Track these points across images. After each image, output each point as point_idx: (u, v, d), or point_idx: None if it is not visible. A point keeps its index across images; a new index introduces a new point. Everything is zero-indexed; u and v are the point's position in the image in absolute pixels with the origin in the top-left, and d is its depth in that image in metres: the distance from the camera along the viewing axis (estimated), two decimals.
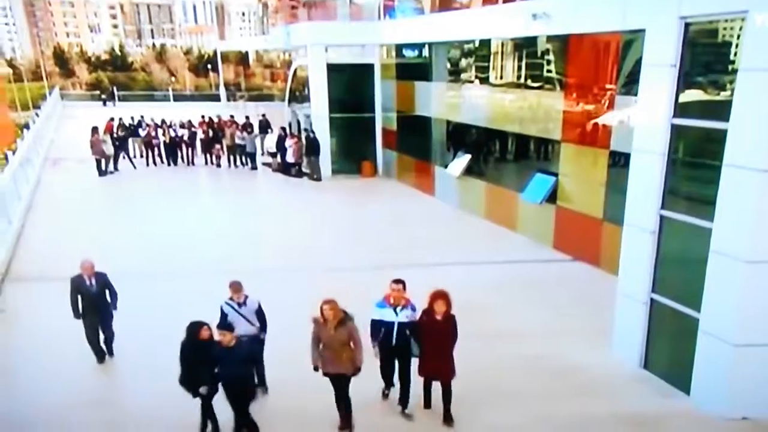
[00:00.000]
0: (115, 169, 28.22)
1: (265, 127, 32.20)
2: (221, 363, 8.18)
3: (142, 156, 30.56)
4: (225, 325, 8.42)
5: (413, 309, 8.86)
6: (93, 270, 10.63)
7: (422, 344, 8.78)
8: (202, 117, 32.19)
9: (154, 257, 16.48)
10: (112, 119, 31.52)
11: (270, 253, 16.91)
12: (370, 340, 8.94)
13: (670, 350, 10.12)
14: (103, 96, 64.36)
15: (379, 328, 8.90)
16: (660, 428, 9.08)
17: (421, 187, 24.46)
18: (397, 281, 8.88)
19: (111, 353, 11.08)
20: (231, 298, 9.36)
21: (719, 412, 9.02)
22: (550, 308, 13.08)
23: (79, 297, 10.57)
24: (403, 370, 9.17)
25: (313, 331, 8.56)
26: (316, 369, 8.62)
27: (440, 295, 8.60)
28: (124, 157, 29.05)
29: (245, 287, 9.45)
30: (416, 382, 9.20)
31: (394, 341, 8.85)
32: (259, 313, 9.55)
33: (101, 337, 10.88)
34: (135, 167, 28.97)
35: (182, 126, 30.94)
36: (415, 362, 9.05)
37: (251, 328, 9.37)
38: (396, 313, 8.80)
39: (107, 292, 10.80)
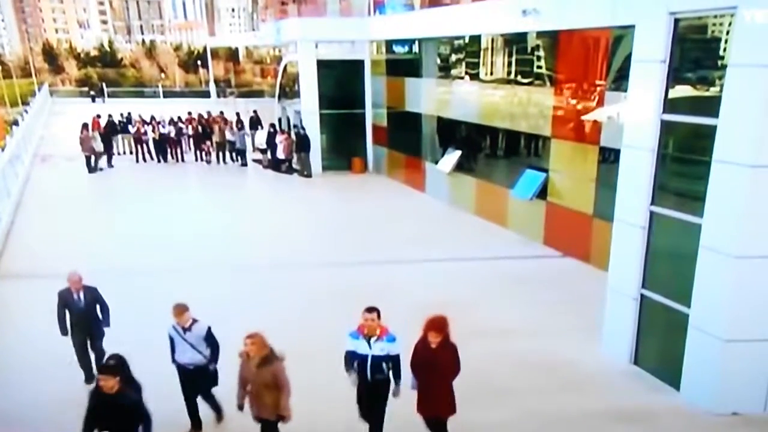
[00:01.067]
0: (110, 165, 28.36)
1: (255, 123, 32.15)
2: (97, 414, 6.83)
3: (131, 152, 30.51)
4: (107, 367, 6.95)
5: (391, 340, 7.82)
6: (81, 283, 9.81)
7: (416, 377, 7.83)
8: (189, 114, 32.13)
9: (143, 254, 16.36)
10: (98, 116, 31.45)
11: (259, 250, 16.85)
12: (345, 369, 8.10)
13: (660, 346, 10.14)
14: (92, 92, 64.06)
15: (352, 359, 8.00)
16: (650, 424, 9.08)
17: (412, 183, 24.44)
18: (370, 309, 7.84)
19: None
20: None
21: (709, 407, 9.03)
22: (539, 304, 13.07)
23: (67, 312, 9.85)
24: (377, 407, 8.12)
25: (240, 367, 7.75)
26: (240, 408, 7.84)
27: (432, 325, 7.54)
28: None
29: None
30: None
31: (369, 376, 7.91)
32: (209, 340, 8.47)
33: (91, 355, 10.12)
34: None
35: (171, 122, 30.87)
36: (412, 397, 7.94)
37: (198, 356, 8.43)
38: (369, 345, 7.83)
39: (98, 307, 10.00)
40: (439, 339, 7.52)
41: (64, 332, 9.93)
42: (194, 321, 8.44)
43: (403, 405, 8.01)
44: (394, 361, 7.94)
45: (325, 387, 9.39)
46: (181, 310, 8.35)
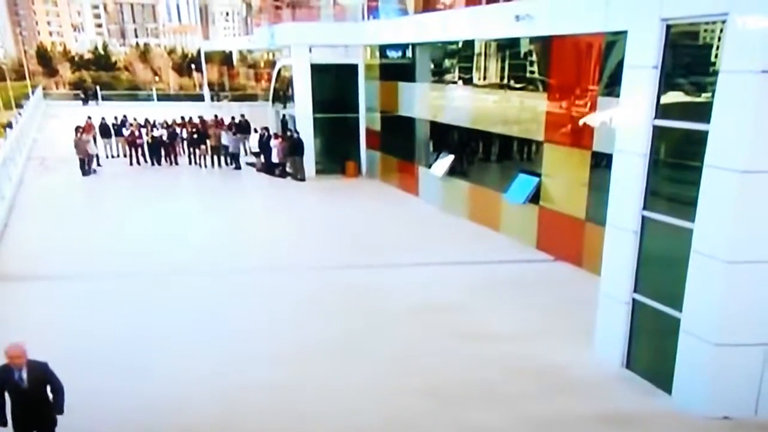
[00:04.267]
0: (98, 164, 28.36)
1: (245, 127, 31.98)
2: None
3: (125, 155, 30.48)
4: None
5: None
6: (23, 358, 7.41)
7: None
8: (182, 118, 32.13)
9: (136, 257, 16.29)
10: (89, 117, 31.53)
11: (251, 253, 16.82)
12: None
13: (652, 350, 10.17)
14: (83, 95, 63.67)
15: None
16: (642, 428, 9.10)
17: (405, 187, 24.46)
18: None
19: None
20: None
21: (700, 411, 9.06)
22: (532, 308, 13.08)
23: (7, 394, 7.58)
24: None
25: None
26: None
27: None
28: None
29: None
30: None
31: None
32: None
33: None
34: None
35: (166, 126, 30.86)
36: None
37: None
38: None
39: (48, 388, 7.68)
40: None
41: (2, 422, 7.71)
42: None
43: None
44: None
45: (321, 387, 9.41)
46: None
